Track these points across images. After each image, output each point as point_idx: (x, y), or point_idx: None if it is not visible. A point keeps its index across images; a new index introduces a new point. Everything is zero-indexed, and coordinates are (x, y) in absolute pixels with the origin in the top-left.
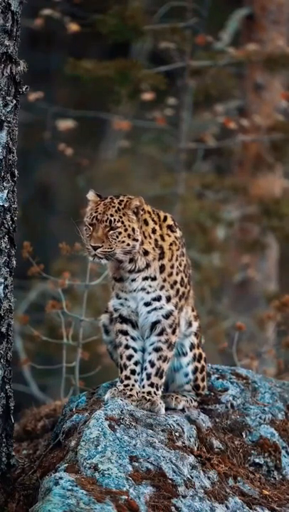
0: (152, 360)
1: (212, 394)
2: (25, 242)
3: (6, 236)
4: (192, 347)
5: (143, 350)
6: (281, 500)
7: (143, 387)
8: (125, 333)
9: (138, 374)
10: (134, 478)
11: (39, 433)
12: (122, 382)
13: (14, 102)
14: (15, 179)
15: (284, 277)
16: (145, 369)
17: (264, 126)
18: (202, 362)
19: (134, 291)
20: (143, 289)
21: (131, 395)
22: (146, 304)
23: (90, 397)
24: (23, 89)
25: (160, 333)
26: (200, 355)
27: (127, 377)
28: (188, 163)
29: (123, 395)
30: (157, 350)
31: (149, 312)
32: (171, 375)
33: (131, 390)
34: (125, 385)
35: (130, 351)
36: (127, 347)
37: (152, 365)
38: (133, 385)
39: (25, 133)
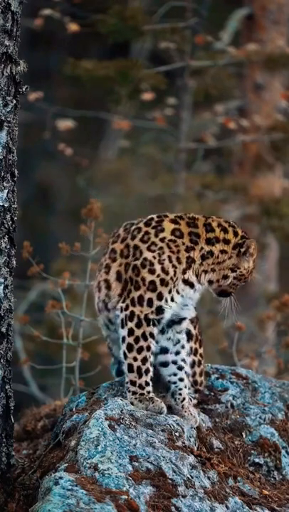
0: (184, 364)
1: (212, 394)
2: (25, 242)
3: (6, 236)
4: (189, 338)
5: None
6: (281, 500)
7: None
8: (153, 336)
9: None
10: (134, 478)
11: (39, 433)
12: (142, 388)
13: (14, 102)
14: (15, 179)
15: (284, 277)
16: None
17: (264, 126)
18: (198, 356)
19: (192, 299)
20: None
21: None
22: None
23: (90, 397)
24: (23, 89)
25: (182, 331)
26: (196, 349)
27: (147, 384)
28: (188, 163)
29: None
30: (183, 347)
31: (182, 309)
32: None
33: (149, 393)
34: (148, 391)
35: (152, 357)
36: (151, 352)
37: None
38: (149, 392)
39: (25, 133)
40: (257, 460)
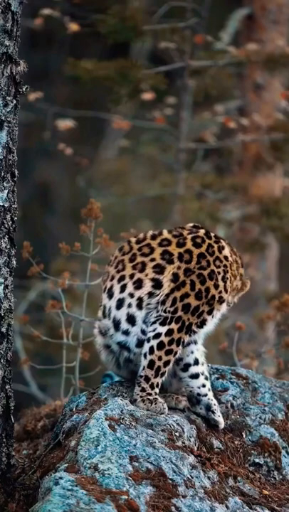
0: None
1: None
2: (25, 242)
3: (6, 236)
4: None
5: None
6: (281, 500)
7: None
8: (184, 344)
9: None
10: (134, 478)
11: (39, 433)
12: (152, 387)
13: (14, 102)
14: (15, 179)
15: (284, 277)
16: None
17: (264, 126)
18: None
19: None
20: None
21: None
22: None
23: (90, 397)
24: (23, 89)
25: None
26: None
27: (158, 386)
28: (188, 163)
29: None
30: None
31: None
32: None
33: (156, 394)
34: (155, 393)
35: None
36: (175, 359)
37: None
38: (156, 393)
39: (25, 133)
40: (257, 460)
